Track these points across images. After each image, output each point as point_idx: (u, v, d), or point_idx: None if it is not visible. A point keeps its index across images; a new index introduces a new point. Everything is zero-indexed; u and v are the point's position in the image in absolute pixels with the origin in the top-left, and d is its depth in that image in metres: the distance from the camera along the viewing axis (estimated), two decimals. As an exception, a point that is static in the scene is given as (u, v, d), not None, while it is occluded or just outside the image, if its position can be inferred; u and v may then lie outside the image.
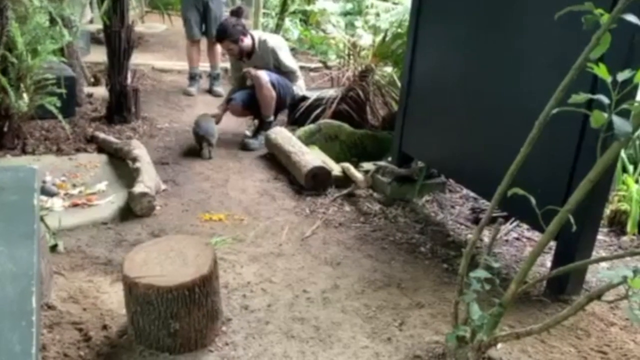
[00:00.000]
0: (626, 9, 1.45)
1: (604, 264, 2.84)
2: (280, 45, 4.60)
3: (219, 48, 5.85)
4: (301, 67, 6.94)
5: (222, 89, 5.89)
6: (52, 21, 3.96)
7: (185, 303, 1.93)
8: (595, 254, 2.64)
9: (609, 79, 1.52)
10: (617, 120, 1.46)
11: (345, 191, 3.58)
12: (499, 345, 2.08)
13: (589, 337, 2.27)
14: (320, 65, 6.65)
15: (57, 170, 3.56)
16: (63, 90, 3.96)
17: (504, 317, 1.82)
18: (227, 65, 6.56)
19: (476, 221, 3.28)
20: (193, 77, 5.89)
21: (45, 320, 2.10)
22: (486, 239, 2.94)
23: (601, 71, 1.54)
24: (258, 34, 4.64)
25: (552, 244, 2.55)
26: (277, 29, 7.23)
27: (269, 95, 4.43)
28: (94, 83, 5.60)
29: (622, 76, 1.51)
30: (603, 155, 1.55)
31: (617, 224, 3.30)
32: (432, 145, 3.33)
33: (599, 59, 1.55)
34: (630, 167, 3.47)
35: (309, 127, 4.40)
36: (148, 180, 3.25)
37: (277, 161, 4.05)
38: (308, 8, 8.04)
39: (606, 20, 1.48)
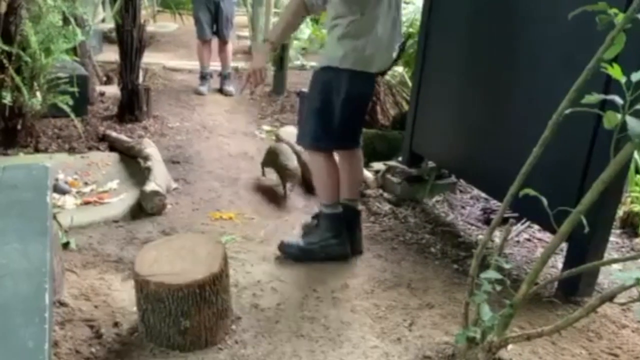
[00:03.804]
0: (641, 8, 1.44)
1: (616, 266, 2.82)
2: None
3: (229, 48, 5.88)
4: (312, 67, 6.94)
5: (233, 88, 5.91)
6: (65, 20, 3.99)
7: (195, 301, 1.94)
8: (607, 256, 2.62)
9: (623, 80, 1.51)
10: (630, 121, 1.44)
11: (355, 191, 3.57)
12: (510, 347, 2.06)
13: (601, 340, 2.25)
14: (330, 64, 6.64)
15: (70, 169, 3.58)
16: (75, 89, 3.99)
17: (514, 318, 1.81)
18: (238, 64, 6.60)
19: (487, 222, 3.26)
20: (204, 77, 5.92)
21: (57, 317, 2.12)
22: (497, 240, 2.92)
23: (615, 72, 1.53)
24: None
25: (564, 245, 2.53)
26: (288, 28, 7.22)
27: None
28: (106, 82, 5.64)
29: (636, 76, 1.49)
30: (616, 157, 1.54)
31: (630, 225, 3.27)
32: (443, 145, 3.31)
33: (613, 59, 1.54)
34: (644, 169, 3.44)
35: (319, 127, 4.39)
36: (159, 178, 3.26)
37: (287, 160, 4.04)
38: (319, 7, 8.01)
39: (621, 20, 1.47)
